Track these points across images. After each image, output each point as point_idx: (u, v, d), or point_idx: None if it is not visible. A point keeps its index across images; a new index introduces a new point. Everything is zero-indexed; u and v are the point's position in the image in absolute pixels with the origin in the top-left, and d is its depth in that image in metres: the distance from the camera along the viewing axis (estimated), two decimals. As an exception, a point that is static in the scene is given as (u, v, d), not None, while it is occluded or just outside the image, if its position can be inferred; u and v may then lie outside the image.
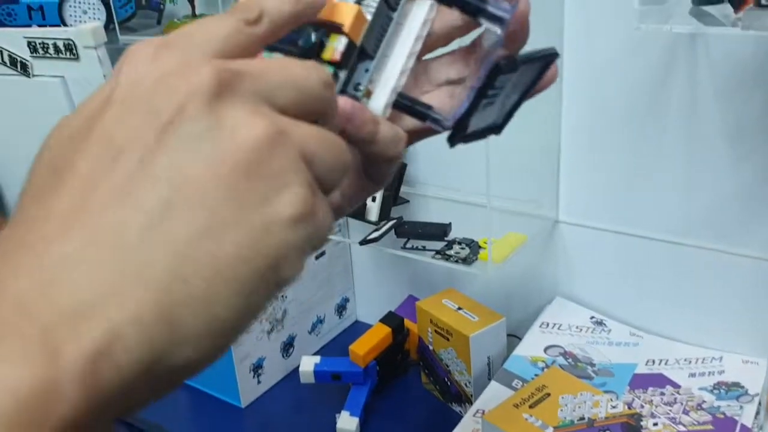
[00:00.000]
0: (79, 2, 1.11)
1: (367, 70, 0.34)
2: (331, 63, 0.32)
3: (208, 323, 0.24)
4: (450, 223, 0.93)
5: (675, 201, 0.87)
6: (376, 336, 0.98)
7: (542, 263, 1.00)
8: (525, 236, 0.91)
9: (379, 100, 0.35)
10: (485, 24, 0.32)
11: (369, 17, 0.33)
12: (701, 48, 0.78)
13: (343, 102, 0.31)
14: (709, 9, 0.74)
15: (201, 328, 0.24)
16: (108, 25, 1.10)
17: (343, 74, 0.33)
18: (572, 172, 0.93)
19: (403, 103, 0.35)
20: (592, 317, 0.97)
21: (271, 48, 0.33)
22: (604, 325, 0.96)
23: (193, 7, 1.11)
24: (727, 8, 0.69)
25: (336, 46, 0.32)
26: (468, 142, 0.36)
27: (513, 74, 0.33)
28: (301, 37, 0.32)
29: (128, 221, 0.23)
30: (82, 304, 0.22)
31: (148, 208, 0.24)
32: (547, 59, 0.35)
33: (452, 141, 0.35)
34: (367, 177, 0.36)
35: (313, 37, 0.32)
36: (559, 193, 0.95)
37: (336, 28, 0.32)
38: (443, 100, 0.38)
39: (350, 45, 0.32)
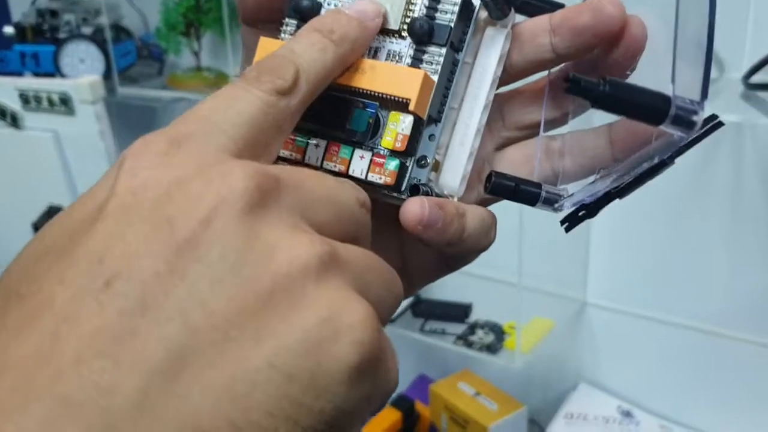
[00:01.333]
0: (77, 50, 1.05)
1: (432, 136, 0.26)
2: (392, 152, 0.25)
3: None
4: (471, 304, 0.87)
5: (714, 289, 0.82)
6: (386, 421, 0.91)
7: (568, 347, 0.94)
8: (553, 322, 0.85)
9: (455, 174, 0.27)
10: (667, 129, 0.24)
11: (432, 75, 0.25)
12: (748, 134, 0.74)
13: (414, 207, 0.24)
14: (761, 94, 0.70)
15: None
16: (106, 75, 1.04)
17: (410, 162, 0.26)
18: (603, 253, 0.88)
19: (503, 186, 0.27)
20: (619, 407, 0.91)
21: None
22: (632, 416, 0.89)
23: (198, 59, 1.05)
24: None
25: (400, 131, 0.25)
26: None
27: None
28: (341, 115, 0.25)
29: (119, 386, 0.16)
30: None
31: (151, 364, 0.17)
32: (711, 131, 0.26)
33: (570, 226, 0.27)
34: (445, 266, 0.29)
35: (368, 117, 0.25)
36: (588, 274, 0.89)
37: (394, 103, 0.25)
38: (533, 157, 0.29)
39: (417, 123, 0.25)
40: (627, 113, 0.23)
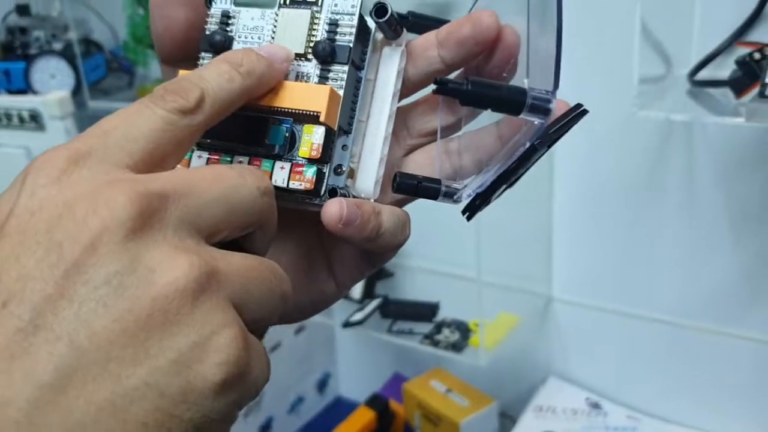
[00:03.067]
0: (47, 66, 1.06)
1: (345, 147, 0.29)
2: (310, 160, 0.27)
3: None
4: (438, 303, 0.89)
5: (674, 281, 0.83)
6: (360, 420, 0.93)
7: (535, 341, 0.96)
8: (517, 318, 0.87)
9: (368, 178, 0.29)
10: (527, 117, 0.27)
11: (338, 90, 0.28)
12: (699, 130, 0.76)
13: (333, 207, 0.26)
14: (708, 89, 0.71)
15: None
16: (77, 89, 1.05)
17: (327, 168, 0.28)
18: (565, 249, 0.89)
19: (405, 184, 0.30)
20: (588, 399, 0.92)
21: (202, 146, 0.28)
22: (600, 407, 0.91)
23: (167, 71, 1.07)
24: (728, 90, 0.66)
25: (314, 141, 0.27)
26: (482, 209, 0.30)
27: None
28: (259, 132, 0.27)
29: (12, 399, 0.18)
30: None
31: (41, 379, 0.19)
32: (579, 118, 0.29)
33: (471, 215, 0.30)
34: (367, 263, 0.31)
35: (285, 131, 0.27)
36: (552, 270, 0.91)
37: (306, 117, 0.27)
38: (434, 158, 0.32)
39: (329, 133, 0.27)
40: (491, 107, 0.26)
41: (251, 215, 0.24)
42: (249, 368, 0.21)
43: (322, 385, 1.10)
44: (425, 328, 0.86)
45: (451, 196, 0.29)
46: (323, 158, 0.27)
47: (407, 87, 0.31)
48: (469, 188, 0.29)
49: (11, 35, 1.09)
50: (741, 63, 0.60)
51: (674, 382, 0.88)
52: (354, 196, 0.29)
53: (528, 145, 0.27)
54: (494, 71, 0.29)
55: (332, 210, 0.26)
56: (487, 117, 0.30)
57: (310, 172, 0.28)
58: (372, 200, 0.30)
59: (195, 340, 0.20)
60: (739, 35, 0.70)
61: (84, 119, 1.06)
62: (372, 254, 0.31)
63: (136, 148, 0.22)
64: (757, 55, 0.59)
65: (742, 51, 0.64)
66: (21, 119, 0.94)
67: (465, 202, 0.30)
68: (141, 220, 0.20)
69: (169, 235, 0.21)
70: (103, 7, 1.11)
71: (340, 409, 1.03)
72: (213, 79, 0.25)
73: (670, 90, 0.72)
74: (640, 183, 0.81)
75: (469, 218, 0.30)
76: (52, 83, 1.06)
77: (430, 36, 0.30)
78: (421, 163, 0.32)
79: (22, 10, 1.09)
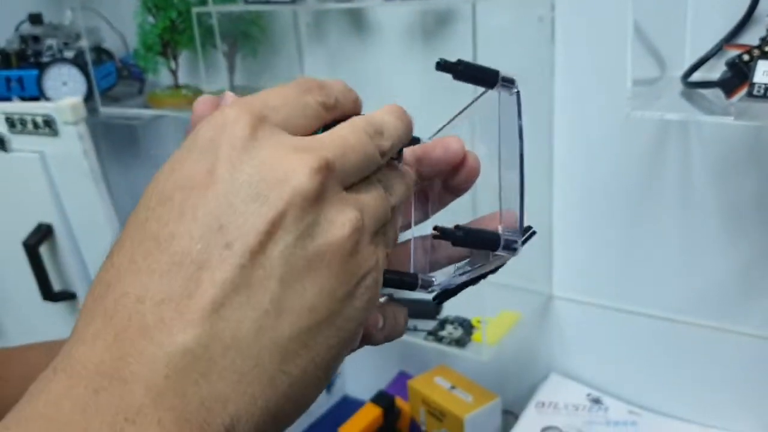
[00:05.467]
0: (59, 74, 1.09)
1: None
2: None
3: (299, 402, 0.26)
4: (442, 301, 0.91)
5: (671, 278, 0.85)
6: (367, 417, 0.95)
7: (537, 338, 0.98)
8: (519, 314, 0.89)
9: None
10: (499, 253, 0.33)
11: None
12: (693, 130, 0.78)
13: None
14: (701, 91, 0.73)
15: (295, 407, 0.26)
16: (89, 96, 1.08)
17: None
18: (565, 248, 0.91)
19: (389, 279, 0.34)
20: (589, 394, 0.94)
21: None
22: (601, 403, 0.93)
23: (176, 78, 1.10)
24: (719, 91, 0.69)
25: None
26: (449, 298, 0.36)
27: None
28: None
29: (243, 320, 0.24)
30: (202, 399, 0.23)
31: (261, 307, 0.24)
32: (528, 239, 0.35)
33: (440, 302, 0.36)
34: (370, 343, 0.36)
35: None
36: (552, 269, 0.93)
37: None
38: (411, 254, 0.36)
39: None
40: (475, 247, 0.33)
41: (372, 169, 0.29)
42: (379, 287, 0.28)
43: (328, 384, 1.12)
44: (429, 325, 0.88)
45: (426, 287, 0.34)
46: None
47: None
48: (443, 283, 0.34)
49: (24, 44, 1.12)
50: (731, 65, 0.63)
51: (674, 378, 0.90)
52: None
53: (494, 266, 0.34)
54: (460, 185, 0.35)
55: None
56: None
57: None
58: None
59: (356, 277, 0.26)
60: (730, 38, 0.72)
61: (96, 125, 1.09)
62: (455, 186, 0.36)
63: (299, 126, 0.28)
64: (746, 57, 0.61)
65: (731, 53, 0.66)
66: (35, 125, 0.97)
67: (437, 291, 0.35)
68: (321, 186, 0.25)
69: (336, 192, 0.26)
70: (114, 15, 1.14)
71: (347, 407, 1.05)
72: (343, 95, 0.30)
73: (665, 91, 0.74)
74: (638, 182, 0.83)
75: (438, 304, 0.37)
76: (64, 90, 1.09)
77: (408, 154, 0.35)
78: (401, 256, 0.37)
79: (35, 19, 1.12)
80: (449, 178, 0.35)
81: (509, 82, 0.34)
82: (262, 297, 0.24)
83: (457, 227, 0.32)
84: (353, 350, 0.30)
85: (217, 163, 0.25)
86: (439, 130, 0.37)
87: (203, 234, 0.24)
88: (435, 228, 0.32)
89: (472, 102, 0.36)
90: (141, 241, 0.25)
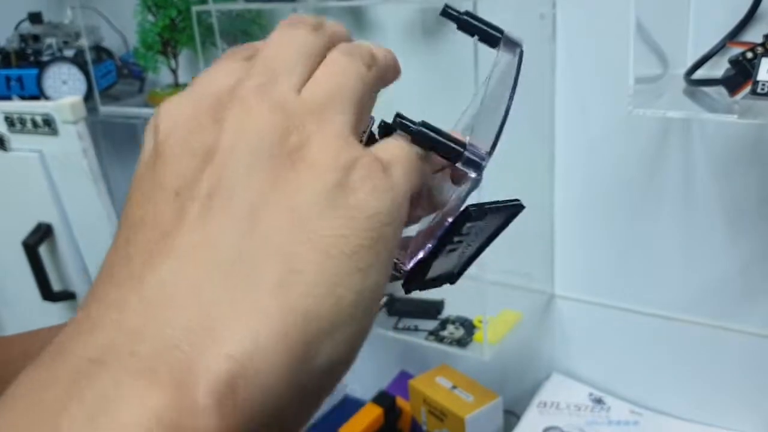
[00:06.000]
0: (59, 72, 1.08)
1: None
2: None
3: (335, 307, 0.22)
4: (443, 301, 0.91)
5: (673, 277, 0.85)
6: (367, 417, 0.95)
7: (538, 338, 0.97)
8: (520, 314, 0.88)
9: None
10: (462, 168, 0.29)
11: None
12: (696, 128, 0.77)
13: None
14: (704, 88, 0.73)
15: (330, 314, 0.22)
16: (88, 95, 1.08)
17: None
18: (567, 247, 0.91)
19: None
20: (591, 394, 0.94)
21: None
22: (603, 402, 0.93)
23: (176, 76, 1.09)
24: (722, 88, 0.68)
25: None
26: (423, 289, 0.32)
27: (479, 222, 0.30)
28: None
29: (221, 237, 0.22)
30: (201, 324, 0.20)
31: (238, 215, 0.22)
32: (513, 210, 0.32)
33: (408, 287, 0.32)
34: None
35: None
36: (554, 267, 0.92)
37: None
38: None
39: None
40: (432, 148, 0.28)
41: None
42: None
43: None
44: (430, 325, 0.88)
45: (395, 266, 0.30)
46: None
47: None
48: (408, 261, 0.31)
49: (24, 43, 1.11)
50: (734, 62, 0.62)
51: (676, 377, 0.89)
52: None
53: (463, 210, 0.29)
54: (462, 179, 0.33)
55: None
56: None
57: None
58: None
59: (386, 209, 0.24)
60: (733, 36, 0.72)
61: (95, 124, 1.09)
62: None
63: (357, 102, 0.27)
64: (749, 55, 0.60)
65: (735, 51, 0.65)
66: (35, 124, 0.96)
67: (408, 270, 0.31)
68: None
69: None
70: (113, 14, 1.14)
71: (348, 407, 1.04)
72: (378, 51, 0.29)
73: (667, 89, 0.74)
74: (640, 180, 0.82)
75: (407, 291, 0.32)
76: (64, 89, 1.08)
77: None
78: None
79: (35, 18, 1.12)
80: (453, 173, 0.33)
81: (514, 43, 0.31)
82: (236, 211, 0.22)
83: (423, 122, 0.28)
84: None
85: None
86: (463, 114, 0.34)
87: (154, 197, 0.23)
88: (397, 114, 0.29)
89: (486, 83, 0.33)
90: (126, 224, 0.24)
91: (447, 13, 0.31)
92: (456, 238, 0.30)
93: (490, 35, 0.32)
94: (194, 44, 0.99)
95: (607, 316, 0.91)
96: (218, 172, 0.23)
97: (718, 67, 0.70)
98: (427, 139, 0.28)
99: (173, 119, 0.25)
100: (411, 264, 0.30)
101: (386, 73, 0.29)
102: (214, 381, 0.19)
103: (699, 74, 0.73)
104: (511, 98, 0.30)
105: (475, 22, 0.32)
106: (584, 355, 0.95)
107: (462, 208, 0.29)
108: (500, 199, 0.31)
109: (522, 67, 0.31)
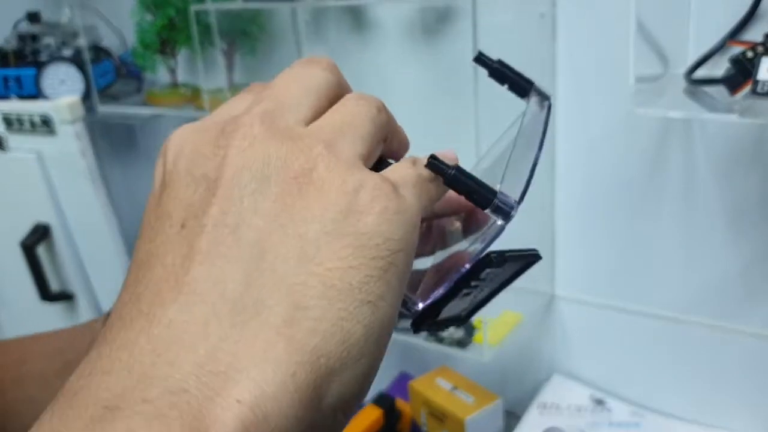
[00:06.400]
0: (57, 72, 1.08)
1: None
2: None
3: (344, 344, 0.22)
4: (442, 301, 0.90)
5: (674, 277, 0.84)
6: (367, 419, 0.94)
7: (539, 339, 0.97)
8: (521, 315, 0.88)
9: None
10: (490, 215, 0.29)
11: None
12: (697, 128, 0.77)
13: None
14: (705, 88, 0.72)
15: (338, 351, 0.22)
16: (87, 95, 1.07)
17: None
18: (567, 247, 0.90)
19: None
20: (592, 395, 0.93)
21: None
22: (604, 404, 0.92)
23: (174, 76, 1.09)
24: (723, 88, 0.68)
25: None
26: (431, 331, 0.32)
27: (498, 269, 0.30)
28: None
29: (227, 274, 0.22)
30: (209, 367, 0.20)
31: (246, 254, 0.22)
32: (531, 259, 0.32)
33: (417, 327, 0.31)
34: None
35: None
36: (554, 268, 0.92)
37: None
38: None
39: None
40: (464, 192, 0.28)
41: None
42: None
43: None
44: (430, 325, 0.87)
45: (406, 305, 0.30)
46: None
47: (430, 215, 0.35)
48: (421, 301, 0.30)
49: (22, 42, 1.11)
50: (735, 61, 0.62)
51: (677, 378, 0.89)
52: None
53: (484, 256, 0.29)
54: (471, 227, 0.33)
55: None
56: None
57: None
58: None
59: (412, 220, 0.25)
60: (734, 35, 0.71)
61: (94, 124, 1.08)
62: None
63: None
64: (749, 54, 0.60)
65: (735, 50, 0.65)
66: (32, 124, 0.96)
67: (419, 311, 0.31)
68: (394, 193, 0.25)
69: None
70: (112, 14, 1.14)
71: (347, 407, 1.04)
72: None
73: (668, 89, 0.73)
74: (641, 180, 0.82)
75: (415, 331, 0.32)
76: (62, 89, 1.08)
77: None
78: None
79: (33, 17, 1.11)
80: (467, 219, 0.33)
81: (543, 95, 0.32)
82: (247, 241, 0.22)
83: (456, 166, 0.28)
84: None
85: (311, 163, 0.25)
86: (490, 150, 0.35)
87: (162, 230, 0.24)
88: (431, 156, 0.29)
89: (516, 121, 0.33)
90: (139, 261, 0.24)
91: (480, 60, 0.32)
92: (473, 283, 0.30)
93: (520, 85, 0.32)
94: (193, 44, 0.99)
95: (608, 317, 0.91)
96: (223, 202, 0.23)
97: (719, 67, 0.70)
98: (461, 185, 0.28)
99: (179, 149, 0.25)
100: (423, 305, 0.30)
101: (395, 128, 0.29)
102: (224, 430, 0.19)
103: (699, 73, 0.73)
104: (540, 149, 0.30)
105: (507, 72, 0.32)
106: (585, 356, 0.95)
107: (483, 254, 0.29)
108: (517, 247, 0.31)
109: (550, 120, 0.31)
